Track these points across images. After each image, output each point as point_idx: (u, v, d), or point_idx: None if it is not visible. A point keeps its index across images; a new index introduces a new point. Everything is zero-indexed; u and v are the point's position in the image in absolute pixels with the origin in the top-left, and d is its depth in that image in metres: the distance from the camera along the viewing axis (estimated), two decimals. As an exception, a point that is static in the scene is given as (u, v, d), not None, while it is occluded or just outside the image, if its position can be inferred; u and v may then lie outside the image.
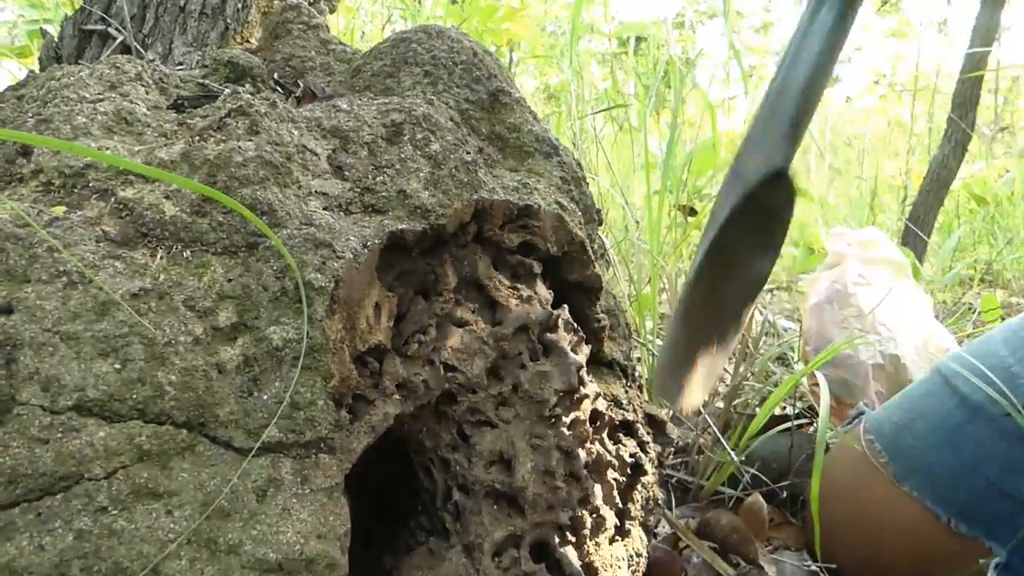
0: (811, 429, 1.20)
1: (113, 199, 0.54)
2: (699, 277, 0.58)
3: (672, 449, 1.12)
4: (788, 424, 1.15)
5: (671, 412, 1.02)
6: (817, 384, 1.32)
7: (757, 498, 1.06)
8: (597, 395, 0.76)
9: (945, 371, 0.86)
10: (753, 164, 0.57)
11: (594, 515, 0.70)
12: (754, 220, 0.59)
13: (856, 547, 0.92)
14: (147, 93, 0.66)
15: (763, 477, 1.11)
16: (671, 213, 1.55)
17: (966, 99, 2.60)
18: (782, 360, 1.63)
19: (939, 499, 0.84)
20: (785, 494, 1.12)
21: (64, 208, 0.53)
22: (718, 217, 0.56)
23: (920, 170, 3.56)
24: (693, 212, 1.70)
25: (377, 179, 0.65)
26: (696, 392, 0.61)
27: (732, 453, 1.04)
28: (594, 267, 0.78)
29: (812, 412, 1.31)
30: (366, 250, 0.58)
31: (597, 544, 0.71)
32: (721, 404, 1.18)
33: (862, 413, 1.01)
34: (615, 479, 0.74)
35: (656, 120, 1.67)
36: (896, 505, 0.87)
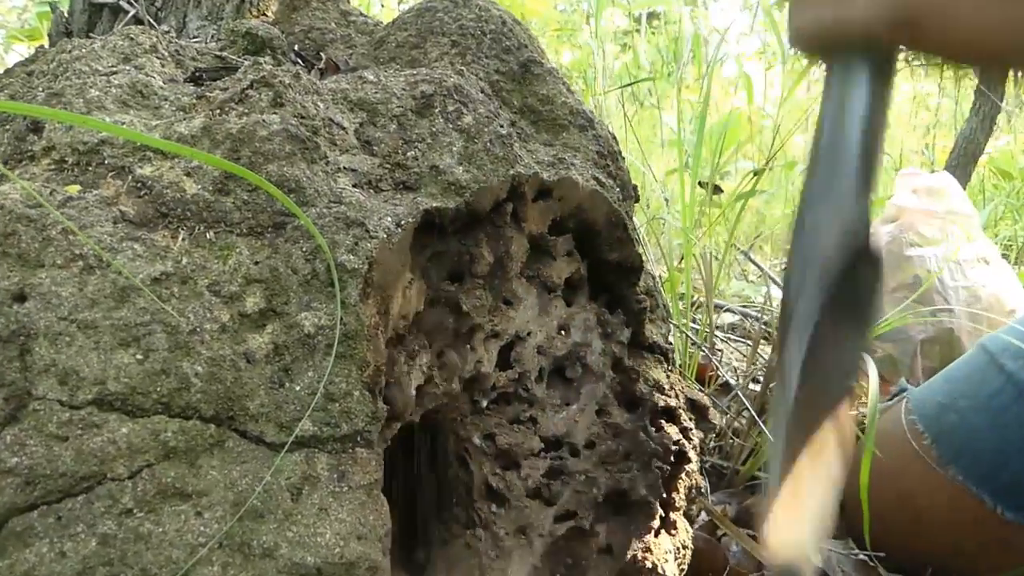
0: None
1: (130, 177, 0.50)
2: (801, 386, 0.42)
3: (715, 432, 1.09)
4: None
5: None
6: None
7: (796, 484, 1.03)
8: (639, 379, 0.72)
9: (992, 347, 0.82)
10: (824, 227, 0.43)
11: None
12: (839, 304, 0.44)
13: (898, 533, 0.88)
14: (163, 66, 0.62)
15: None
16: (694, 191, 1.50)
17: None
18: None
19: (984, 483, 0.80)
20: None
21: (78, 187, 0.49)
22: (801, 313, 0.43)
23: (944, 144, 3.48)
24: (718, 190, 1.65)
25: (408, 154, 0.61)
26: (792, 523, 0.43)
27: (771, 436, 1.00)
28: (634, 246, 0.74)
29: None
30: (400, 229, 0.54)
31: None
32: (757, 387, 1.14)
33: (903, 391, 0.97)
34: (659, 467, 0.71)
35: (679, 97, 1.62)
36: (940, 490, 0.83)
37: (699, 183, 1.52)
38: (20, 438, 0.41)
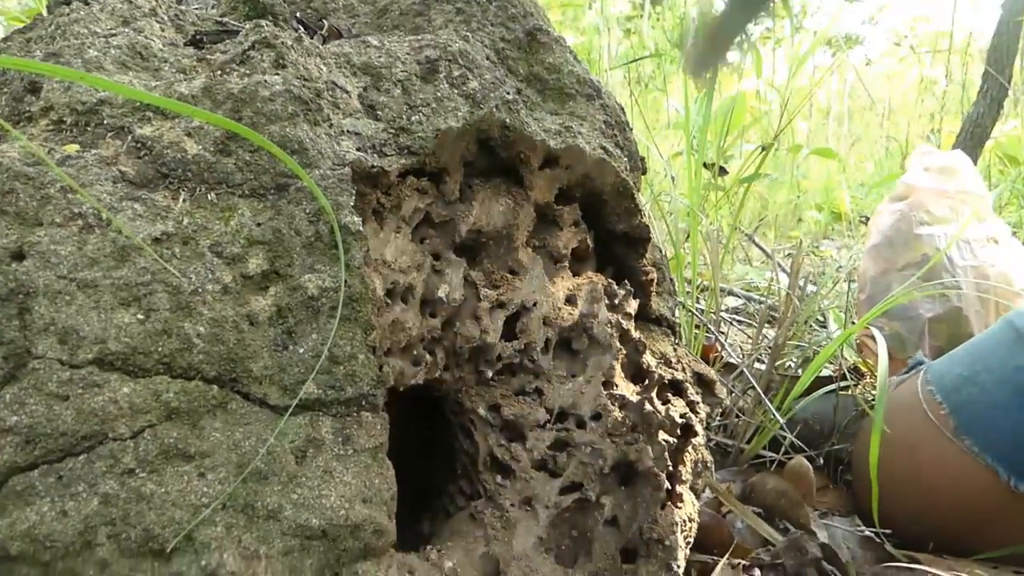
0: (857, 391, 1.15)
1: (130, 137, 0.49)
2: None
3: (720, 411, 1.08)
4: (833, 386, 1.10)
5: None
6: (860, 339, 1.27)
7: (802, 461, 1.02)
8: (645, 351, 0.71)
9: (1019, 324, 0.81)
10: None
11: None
12: None
13: (908, 506, 0.88)
14: (163, 29, 0.61)
15: (803, 441, 1.07)
16: (699, 172, 1.49)
17: (1003, 53, 2.50)
18: (809, 322, 1.57)
19: (1001, 456, 0.79)
20: (823, 459, 1.08)
21: (77, 147, 0.48)
22: None
23: (950, 130, 3.46)
24: (723, 171, 1.64)
25: (412, 119, 0.60)
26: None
27: (777, 414, 1.00)
28: (641, 216, 0.73)
29: (854, 373, 1.26)
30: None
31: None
32: (763, 366, 1.14)
33: (920, 363, 0.96)
34: (665, 440, 0.70)
35: (685, 78, 1.61)
36: (953, 462, 0.83)
37: (704, 164, 1.51)
38: (20, 397, 0.40)
